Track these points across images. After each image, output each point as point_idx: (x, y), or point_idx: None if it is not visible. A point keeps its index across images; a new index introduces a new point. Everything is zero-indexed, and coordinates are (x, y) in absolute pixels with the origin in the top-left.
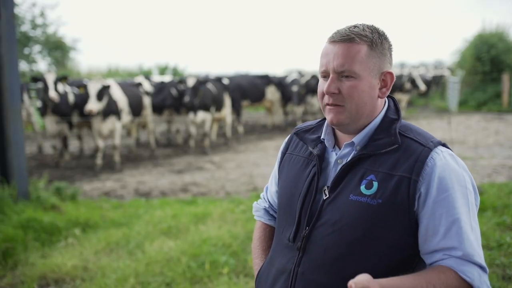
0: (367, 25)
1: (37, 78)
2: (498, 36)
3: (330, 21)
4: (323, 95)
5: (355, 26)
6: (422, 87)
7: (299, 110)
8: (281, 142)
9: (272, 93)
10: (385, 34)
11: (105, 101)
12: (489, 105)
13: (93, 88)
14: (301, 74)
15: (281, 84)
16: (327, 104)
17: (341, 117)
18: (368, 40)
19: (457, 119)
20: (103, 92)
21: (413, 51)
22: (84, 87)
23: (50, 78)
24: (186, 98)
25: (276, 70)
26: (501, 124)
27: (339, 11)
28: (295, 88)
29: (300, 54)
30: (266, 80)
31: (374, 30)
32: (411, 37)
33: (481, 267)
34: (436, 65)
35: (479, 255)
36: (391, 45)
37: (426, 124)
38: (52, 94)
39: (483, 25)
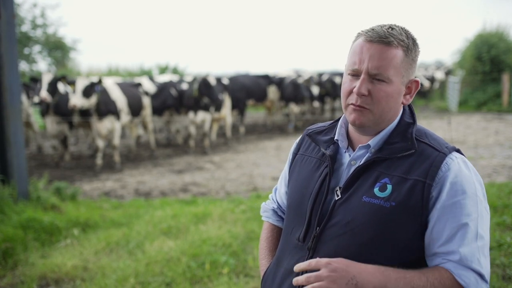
0: (403, 28)
1: (36, 78)
2: (498, 36)
3: (331, 21)
4: (349, 93)
5: (392, 28)
6: (426, 83)
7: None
8: (281, 142)
9: (273, 93)
10: (416, 40)
11: (94, 98)
12: (489, 105)
13: (80, 84)
14: (298, 74)
15: (281, 84)
16: (352, 104)
17: (364, 119)
18: (405, 45)
19: (457, 119)
20: (91, 88)
21: None
22: (74, 83)
23: (46, 78)
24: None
25: (276, 70)
26: (501, 124)
27: (340, 11)
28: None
29: (301, 54)
30: (267, 80)
31: (409, 35)
32: None
33: (480, 274)
34: (437, 66)
35: (480, 263)
36: (419, 52)
37: (426, 124)
38: (43, 94)
39: (483, 25)
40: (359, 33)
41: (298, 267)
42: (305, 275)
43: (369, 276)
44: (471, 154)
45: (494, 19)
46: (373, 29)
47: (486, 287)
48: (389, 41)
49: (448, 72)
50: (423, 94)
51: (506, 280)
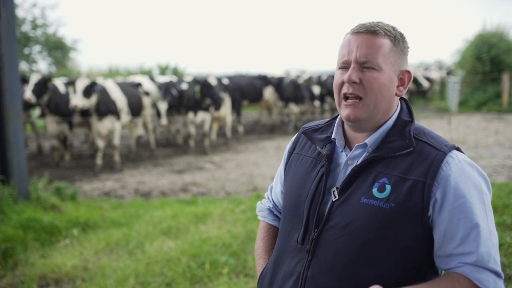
0: (389, 24)
1: (25, 78)
2: (498, 36)
3: (331, 21)
4: (340, 86)
5: (378, 22)
6: (425, 83)
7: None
8: (281, 142)
9: (270, 93)
10: (404, 35)
11: (94, 98)
12: (489, 105)
13: (80, 84)
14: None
15: (279, 84)
16: (345, 97)
17: (359, 112)
18: (392, 35)
19: (457, 119)
20: (91, 88)
21: (413, 51)
22: (73, 83)
23: (33, 79)
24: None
25: (276, 70)
26: (501, 124)
27: (340, 11)
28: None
29: (300, 54)
30: (264, 81)
31: (396, 29)
32: (411, 37)
33: (496, 273)
34: (437, 66)
35: (495, 261)
36: (408, 47)
37: (426, 124)
38: (28, 94)
39: (483, 25)
40: (347, 32)
41: None
42: None
43: None
44: (471, 154)
45: (494, 19)
46: (359, 24)
47: (502, 283)
48: (375, 30)
49: (449, 72)
50: (423, 94)
51: (506, 280)
